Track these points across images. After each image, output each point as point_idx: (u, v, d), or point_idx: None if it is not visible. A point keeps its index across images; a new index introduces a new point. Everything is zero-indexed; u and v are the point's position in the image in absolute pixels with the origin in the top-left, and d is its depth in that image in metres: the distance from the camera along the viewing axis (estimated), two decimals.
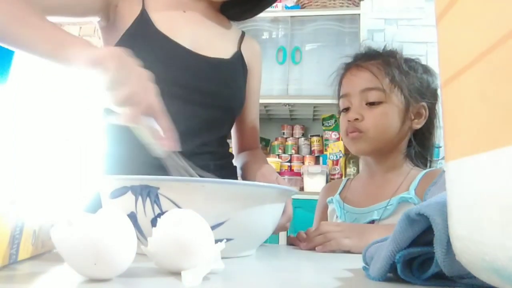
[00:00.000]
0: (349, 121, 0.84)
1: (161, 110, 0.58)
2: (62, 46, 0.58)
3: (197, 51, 0.86)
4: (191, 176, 0.59)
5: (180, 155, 0.60)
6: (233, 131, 1.02)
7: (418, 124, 0.85)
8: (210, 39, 0.90)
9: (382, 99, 0.82)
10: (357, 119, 0.83)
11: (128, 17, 0.83)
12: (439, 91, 0.87)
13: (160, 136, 0.57)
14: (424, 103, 0.84)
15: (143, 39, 0.82)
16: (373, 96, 0.83)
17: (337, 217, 0.88)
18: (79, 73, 0.55)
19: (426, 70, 0.88)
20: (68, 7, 0.78)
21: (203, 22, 0.91)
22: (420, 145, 0.86)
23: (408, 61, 0.87)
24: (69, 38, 0.60)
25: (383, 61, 0.86)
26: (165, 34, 0.83)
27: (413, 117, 0.85)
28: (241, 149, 1.02)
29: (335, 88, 0.93)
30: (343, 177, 2.11)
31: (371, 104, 0.83)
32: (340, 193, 0.92)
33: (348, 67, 0.90)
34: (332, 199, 0.91)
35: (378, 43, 0.93)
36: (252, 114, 1.01)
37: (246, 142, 1.01)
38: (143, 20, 0.83)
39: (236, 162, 0.99)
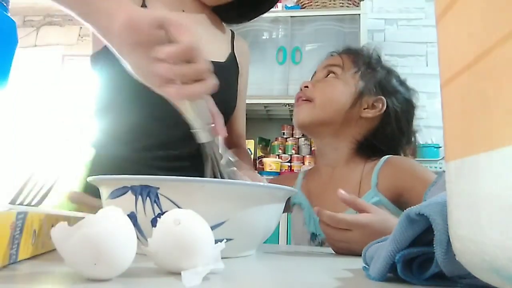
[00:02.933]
0: (300, 90, 0.89)
1: (209, 87, 0.53)
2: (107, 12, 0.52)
3: None
4: (221, 173, 0.57)
5: (218, 148, 0.57)
6: None
7: (368, 114, 0.85)
8: (207, 42, 0.89)
9: (338, 73, 0.87)
10: (307, 87, 0.87)
11: None
12: (415, 103, 0.90)
13: (209, 120, 0.55)
14: (383, 98, 0.86)
15: None
16: (331, 70, 0.88)
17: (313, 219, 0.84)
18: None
19: (401, 81, 0.92)
20: None
21: (201, 24, 0.91)
22: (379, 143, 0.86)
23: (382, 62, 0.92)
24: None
25: (354, 52, 0.92)
26: None
27: (366, 106, 0.86)
28: (228, 147, 1.03)
29: None
30: None
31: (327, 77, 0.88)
32: (302, 194, 0.88)
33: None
34: (300, 202, 0.87)
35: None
36: (242, 115, 1.02)
37: (232, 141, 1.02)
38: None
39: None
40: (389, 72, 0.91)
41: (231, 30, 1.00)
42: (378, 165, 0.80)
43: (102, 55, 0.83)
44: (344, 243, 0.60)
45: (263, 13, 0.99)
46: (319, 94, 0.85)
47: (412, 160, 0.84)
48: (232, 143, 1.02)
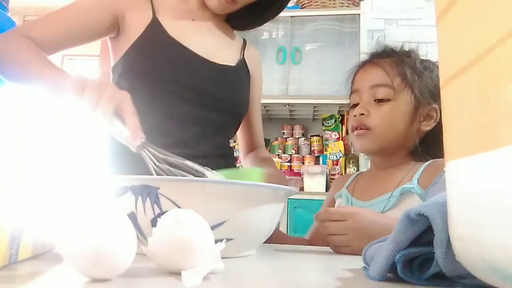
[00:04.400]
0: (355, 116, 0.84)
1: (129, 110, 0.62)
2: (60, 84, 0.68)
3: (207, 58, 0.89)
4: (169, 165, 0.62)
5: (155, 148, 0.62)
6: (240, 135, 1.07)
7: (427, 126, 0.83)
8: (217, 47, 0.93)
9: (391, 97, 0.82)
10: (363, 114, 0.82)
11: (138, 24, 0.86)
12: None
13: (127, 135, 0.61)
14: (436, 106, 0.83)
15: (157, 45, 0.86)
16: (382, 93, 0.82)
17: None
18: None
19: None
20: (84, 35, 0.84)
21: (210, 30, 0.95)
22: (427, 147, 0.84)
23: (424, 61, 0.86)
24: (64, 77, 0.70)
25: (397, 59, 0.85)
26: (177, 40, 0.86)
27: (422, 119, 0.83)
28: (248, 150, 1.07)
29: (349, 85, 0.93)
30: None
31: (379, 101, 0.82)
32: (347, 187, 0.92)
33: (362, 64, 0.90)
34: (341, 194, 0.91)
35: (395, 42, 0.92)
36: (257, 118, 1.06)
37: (252, 144, 1.07)
38: (156, 27, 0.86)
39: (245, 162, 1.05)
40: (431, 70, 0.84)
41: (244, 39, 1.04)
42: (424, 165, 0.81)
43: (120, 63, 0.87)
44: (343, 237, 0.63)
45: (270, 19, 1.02)
46: (378, 123, 0.82)
47: None
48: (253, 146, 1.06)
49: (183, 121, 0.86)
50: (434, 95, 0.83)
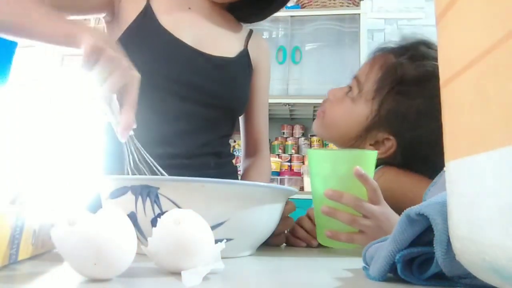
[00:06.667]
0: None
1: (130, 99, 0.58)
2: (70, 34, 0.61)
3: (200, 49, 0.85)
4: (145, 163, 0.61)
5: (138, 149, 0.60)
6: (241, 133, 1.01)
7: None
8: (214, 38, 0.88)
9: (355, 92, 0.72)
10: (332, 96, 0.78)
11: (132, 11, 0.83)
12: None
13: (118, 123, 0.58)
14: (393, 140, 0.69)
15: (145, 34, 0.82)
16: (352, 82, 0.76)
17: None
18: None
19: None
20: (75, 5, 0.79)
21: (208, 20, 0.90)
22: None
23: (420, 83, 0.68)
24: (75, 26, 0.63)
25: (392, 65, 0.72)
26: (168, 30, 0.83)
27: (373, 142, 0.71)
28: (249, 151, 1.00)
29: None
30: None
31: (349, 91, 0.75)
32: None
33: (373, 53, 0.82)
34: None
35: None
36: (258, 114, 0.99)
37: (251, 144, 1.00)
38: (147, 15, 0.83)
39: (242, 167, 0.98)
40: (431, 98, 0.62)
41: (250, 29, 0.98)
42: None
43: None
44: (366, 220, 0.55)
45: (276, 11, 0.96)
46: (328, 112, 0.75)
47: (390, 184, 0.66)
48: (251, 146, 0.99)
49: (167, 116, 0.81)
50: (399, 127, 0.69)
